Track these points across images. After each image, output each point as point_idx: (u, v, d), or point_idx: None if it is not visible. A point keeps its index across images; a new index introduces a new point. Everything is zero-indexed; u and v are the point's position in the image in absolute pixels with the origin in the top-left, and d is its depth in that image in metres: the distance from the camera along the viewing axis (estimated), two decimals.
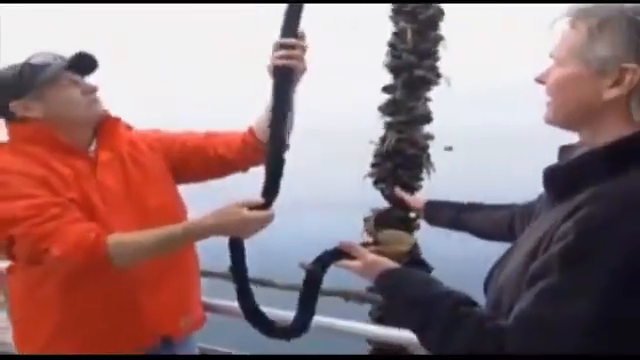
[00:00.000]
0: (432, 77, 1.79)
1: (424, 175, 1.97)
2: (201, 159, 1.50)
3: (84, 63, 1.35)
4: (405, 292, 0.92)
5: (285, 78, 1.28)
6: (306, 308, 1.25)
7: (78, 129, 1.36)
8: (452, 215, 1.47)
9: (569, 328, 0.68)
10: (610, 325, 0.67)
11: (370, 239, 1.36)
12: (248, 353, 2.02)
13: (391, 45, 1.82)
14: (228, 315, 1.54)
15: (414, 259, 1.23)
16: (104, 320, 1.33)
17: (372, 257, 1.04)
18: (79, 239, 1.20)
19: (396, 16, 1.79)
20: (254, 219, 1.25)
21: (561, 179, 0.82)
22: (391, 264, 1.01)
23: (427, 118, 1.85)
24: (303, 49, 1.28)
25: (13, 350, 1.44)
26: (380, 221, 1.81)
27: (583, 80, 0.79)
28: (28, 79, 1.28)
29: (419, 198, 1.65)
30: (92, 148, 1.38)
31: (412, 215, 1.76)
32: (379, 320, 1.91)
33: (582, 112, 0.81)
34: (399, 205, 1.75)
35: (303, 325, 1.26)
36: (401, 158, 1.86)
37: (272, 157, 1.31)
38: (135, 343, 1.36)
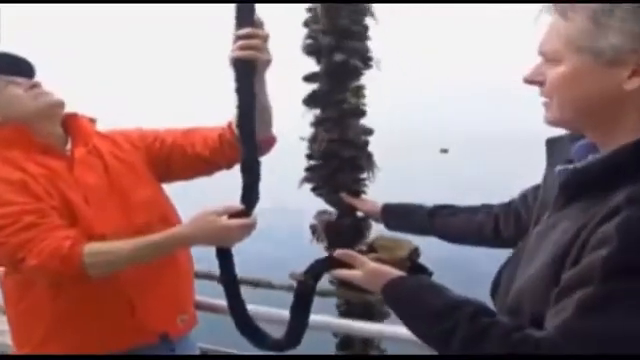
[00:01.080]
0: (357, 62, 1.41)
1: (373, 177, 1.66)
2: (180, 157, 1.48)
3: (14, 65, 1.34)
4: (417, 303, 0.89)
5: (246, 70, 1.21)
6: (299, 320, 1.21)
7: (44, 126, 1.34)
8: (421, 219, 1.42)
9: (616, 341, 0.67)
10: None
11: (364, 247, 1.35)
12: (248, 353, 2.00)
13: (306, 24, 1.45)
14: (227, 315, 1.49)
15: (414, 264, 1.21)
16: (98, 319, 1.32)
17: (373, 266, 1.00)
18: (54, 248, 1.19)
19: None
20: (235, 228, 1.22)
21: (585, 182, 0.78)
22: (395, 273, 0.97)
23: (359, 112, 1.49)
24: (263, 38, 1.22)
25: (13, 352, 1.46)
26: (331, 230, 1.67)
27: (594, 72, 0.74)
28: None
29: (372, 201, 1.60)
30: (68, 147, 1.38)
31: (360, 215, 1.66)
32: (346, 314, 1.80)
33: (597, 107, 0.76)
34: (349, 211, 1.65)
35: (296, 337, 1.24)
36: (337, 160, 1.53)
37: (246, 158, 1.24)
38: (131, 341, 1.36)
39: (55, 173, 1.31)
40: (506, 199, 1.31)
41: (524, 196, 1.21)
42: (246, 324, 1.32)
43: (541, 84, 0.81)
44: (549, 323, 0.71)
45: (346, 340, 1.78)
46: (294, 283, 1.25)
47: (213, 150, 1.45)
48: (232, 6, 1.19)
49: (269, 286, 1.97)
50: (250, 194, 1.25)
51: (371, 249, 1.32)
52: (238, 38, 1.20)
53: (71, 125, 1.41)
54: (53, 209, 1.25)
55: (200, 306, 1.57)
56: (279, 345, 1.28)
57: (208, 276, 1.77)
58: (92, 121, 1.47)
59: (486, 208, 1.35)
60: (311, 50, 1.49)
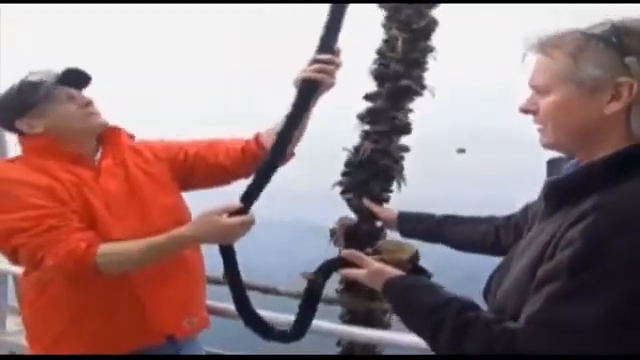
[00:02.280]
0: (417, 88, 1.76)
1: (394, 187, 1.86)
2: (203, 167, 1.55)
3: (77, 77, 1.42)
4: (412, 300, 0.97)
5: (311, 89, 1.29)
6: (305, 315, 1.29)
7: (80, 140, 1.42)
8: (431, 227, 1.52)
9: (579, 329, 0.73)
10: (617, 328, 0.72)
11: (370, 249, 1.42)
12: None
13: (380, 53, 1.79)
14: (234, 318, 1.52)
15: (415, 266, 1.29)
16: (110, 319, 1.37)
17: (377, 266, 1.10)
18: (70, 249, 1.25)
19: (388, 23, 1.78)
20: (236, 225, 1.28)
21: (563, 191, 0.87)
22: (395, 272, 1.06)
23: (407, 129, 1.81)
24: (337, 65, 1.31)
25: (27, 352, 1.49)
26: (350, 235, 1.77)
27: (579, 100, 0.83)
28: (28, 97, 1.36)
29: (390, 209, 1.69)
30: (97, 157, 1.46)
31: (378, 224, 1.76)
32: (349, 324, 1.87)
33: (585, 130, 0.85)
34: (368, 216, 1.73)
35: (301, 330, 1.31)
36: (375, 168, 1.78)
37: (269, 162, 1.31)
38: (141, 342, 1.40)
39: (82, 180, 1.37)
40: (508, 200, 1.39)
41: (525, 209, 1.29)
42: (251, 315, 1.38)
43: (534, 113, 0.90)
44: (523, 314, 0.79)
45: (349, 348, 1.84)
46: (300, 290, 1.35)
47: (234, 160, 1.53)
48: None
49: (275, 292, 2.04)
50: (253, 193, 1.31)
51: (376, 251, 1.41)
52: (316, 61, 1.28)
53: (108, 137, 1.49)
54: (74, 212, 1.32)
55: (208, 310, 1.60)
56: (284, 336, 1.34)
57: (217, 281, 1.83)
58: (131, 137, 1.56)
59: (489, 219, 1.43)
60: (378, 74, 1.83)
